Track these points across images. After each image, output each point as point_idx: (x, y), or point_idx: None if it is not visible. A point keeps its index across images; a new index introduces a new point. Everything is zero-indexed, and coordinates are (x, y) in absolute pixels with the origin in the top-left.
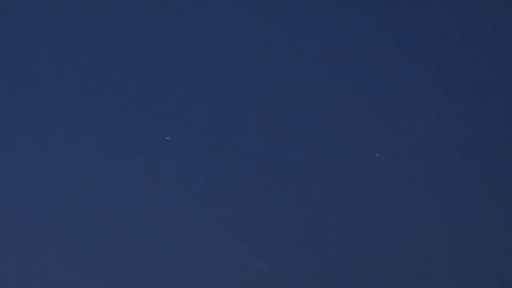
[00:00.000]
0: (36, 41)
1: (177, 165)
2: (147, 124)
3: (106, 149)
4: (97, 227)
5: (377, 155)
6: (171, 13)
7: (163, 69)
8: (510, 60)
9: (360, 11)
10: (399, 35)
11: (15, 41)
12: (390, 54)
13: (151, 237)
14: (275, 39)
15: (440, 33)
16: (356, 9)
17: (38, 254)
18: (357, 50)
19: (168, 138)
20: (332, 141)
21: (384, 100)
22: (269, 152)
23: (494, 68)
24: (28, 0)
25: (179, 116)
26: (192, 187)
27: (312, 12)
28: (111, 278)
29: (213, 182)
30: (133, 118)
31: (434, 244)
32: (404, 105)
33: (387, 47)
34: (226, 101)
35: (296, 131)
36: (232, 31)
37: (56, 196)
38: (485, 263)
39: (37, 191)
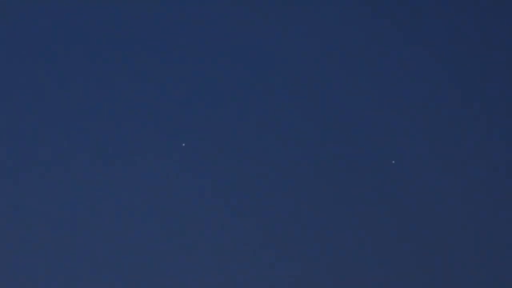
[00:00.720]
0: (38, 41)
1: (177, 166)
2: (146, 124)
3: (106, 150)
4: (97, 228)
5: (393, 161)
6: (174, 15)
7: (162, 69)
8: None
9: (361, 11)
10: (401, 34)
11: (15, 41)
12: (390, 54)
13: (151, 238)
14: (275, 39)
15: (443, 32)
16: (356, 8)
17: (38, 254)
18: (357, 50)
19: (184, 144)
20: (333, 141)
21: (385, 100)
22: (270, 152)
23: (496, 68)
24: (28, 0)
25: (178, 116)
26: (192, 187)
27: (312, 12)
28: (111, 278)
29: (213, 182)
30: (133, 119)
31: (435, 244)
32: (405, 105)
33: (387, 47)
34: (227, 101)
35: (297, 131)
36: (232, 31)
37: (56, 197)
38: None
39: (37, 191)
